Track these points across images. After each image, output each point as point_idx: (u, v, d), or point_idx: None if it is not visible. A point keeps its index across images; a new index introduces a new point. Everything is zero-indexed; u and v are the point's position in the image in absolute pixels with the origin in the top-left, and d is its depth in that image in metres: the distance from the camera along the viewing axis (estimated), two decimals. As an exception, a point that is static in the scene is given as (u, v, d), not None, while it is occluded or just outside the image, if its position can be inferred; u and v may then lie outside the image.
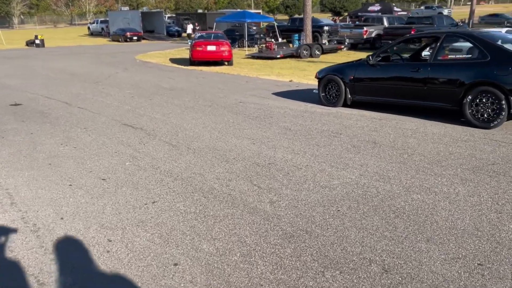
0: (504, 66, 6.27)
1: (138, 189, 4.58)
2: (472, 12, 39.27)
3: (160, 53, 25.23)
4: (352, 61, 8.74)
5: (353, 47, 24.17)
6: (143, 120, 7.81)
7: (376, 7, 38.99)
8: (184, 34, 39.71)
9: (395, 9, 38.99)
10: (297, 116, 7.87)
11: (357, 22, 30.37)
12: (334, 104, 8.51)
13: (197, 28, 34.62)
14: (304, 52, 20.85)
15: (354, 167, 5.08)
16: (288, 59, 20.41)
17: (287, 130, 6.86)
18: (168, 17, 49.83)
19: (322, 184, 4.59)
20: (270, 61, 20.02)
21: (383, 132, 6.57)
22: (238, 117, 7.90)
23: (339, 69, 8.43)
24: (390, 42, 23.44)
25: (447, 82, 6.87)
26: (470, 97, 6.58)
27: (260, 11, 50.03)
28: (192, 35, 33.30)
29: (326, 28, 28.96)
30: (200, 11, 50.90)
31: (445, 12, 48.09)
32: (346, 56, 21.84)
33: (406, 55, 8.63)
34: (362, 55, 23.43)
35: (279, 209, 4.00)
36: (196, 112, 8.44)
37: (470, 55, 6.96)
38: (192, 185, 4.64)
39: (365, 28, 23.42)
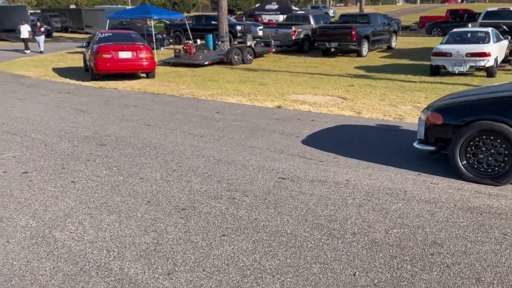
0: None
1: None
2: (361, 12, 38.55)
3: (34, 60, 17.88)
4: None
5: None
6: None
7: (274, 6, 35.63)
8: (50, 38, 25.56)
9: (294, 7, 36.14)
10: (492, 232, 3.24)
11: (275, 20, 26.46)
12: (496, 180, 4.05)
13: (41, 30, 21.94)
14: (236, 57, 16.03)
15: None
16: (217, 67, 15.36)
17: None
18: (31, 14, 39.88)
19: None
20: (196, 69, 14.75)
21: None
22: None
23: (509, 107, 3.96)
24: (327, 44, 20.02)
25: None
26: None
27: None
28: (34, 40, 21.74)
29: (239, 27, 24.53)
30: (72, 6, 41.78)
31: (331, 12, 47.38)
32: (278, 60, 17.62)
33: None
34: (297, 60, 19.32)
35: None
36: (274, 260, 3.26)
37: None
38: None
39: (293, 28, 19.40)
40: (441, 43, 12.49)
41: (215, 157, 5.09)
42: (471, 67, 11.37)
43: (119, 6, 41.14)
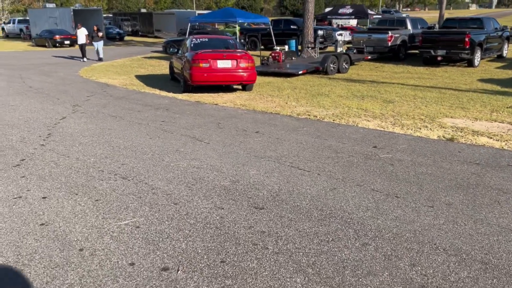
0: None
1: None
2: (441, 17, 35.22)
3: (113, 66, 16.73)
4: None
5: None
6: None
7: (348, 10, 33.05)
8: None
9: (370, 11, 33.36)
10: None
11: (369, 26, 24.12)
12: None
13: (99, 34, 18.74)
14: (331, 65, 13.90)
15: None
16: (310, 76, 13.28)
17: None
18: (104, 18, 40.05)
19: None
20: (290, 79, 12.75)
21: None
22: None
23: None
24: (433, 52, 17.36)
25: None
26: None
27: (209, 11, 41.91)
28: (91, 45, 18.99)
29: (320, 32, 22.43)
30: (143, 10, 41.55)
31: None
32: (374, 69, 15.26)
33: None
34: (397, 69, 16.26)
35: None
36: None
37: None
38: None
39: (390, 33, 16.97)
40: None
41: (465, 251, 2.97)
42: None
43: (188, 10, 40.35)
